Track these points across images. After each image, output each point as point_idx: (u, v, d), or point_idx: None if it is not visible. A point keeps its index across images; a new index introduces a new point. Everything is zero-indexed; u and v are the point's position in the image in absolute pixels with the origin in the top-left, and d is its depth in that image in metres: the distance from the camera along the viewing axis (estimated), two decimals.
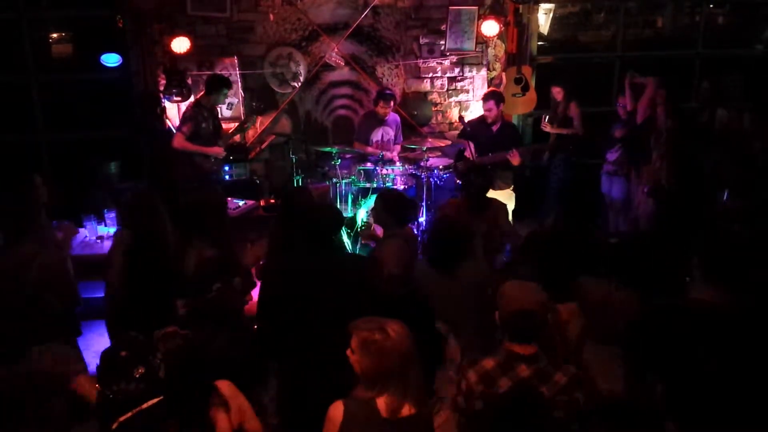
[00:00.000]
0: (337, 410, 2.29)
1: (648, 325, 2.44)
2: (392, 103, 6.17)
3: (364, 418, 2.25)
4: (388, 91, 6.18)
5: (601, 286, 3.01)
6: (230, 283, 3.08)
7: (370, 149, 6.14)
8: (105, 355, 2.30)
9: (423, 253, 5.78)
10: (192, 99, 6.38)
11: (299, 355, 3.04)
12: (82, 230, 5.28)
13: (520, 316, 2.42)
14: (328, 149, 6.05)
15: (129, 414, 2.20)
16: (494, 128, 5.87)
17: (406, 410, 2.25)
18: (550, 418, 2.27)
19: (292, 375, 3.09)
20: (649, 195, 5.33)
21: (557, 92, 6.31)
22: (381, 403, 2.25)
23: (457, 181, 6.13)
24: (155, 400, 2.24)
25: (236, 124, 6.38)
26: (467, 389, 2.44)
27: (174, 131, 6.48)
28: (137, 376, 2.22)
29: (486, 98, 5.88)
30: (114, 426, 2.19)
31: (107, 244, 5.07)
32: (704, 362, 2.29)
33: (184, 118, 5.63)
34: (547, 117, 6.34)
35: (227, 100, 6.26)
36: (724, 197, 5.21)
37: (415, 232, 5.60)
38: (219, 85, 5.72)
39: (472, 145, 5.73)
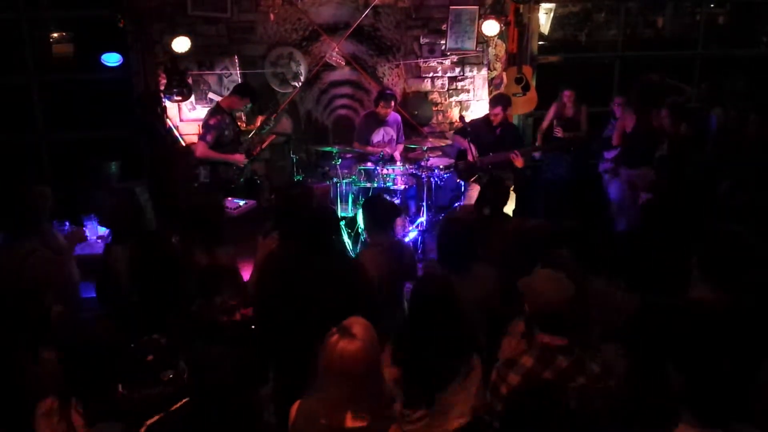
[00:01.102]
0: (293, 409, 2.31)
1: (646, 325, 2.44)
2: (393, 104, 6.16)
3: (308, 421, 2.23)
4: (388, 92, 6.18)
5: (602, 284, 3.00)
6: (211, 300, 3.06)
7: (370, 148, 6.13)
8: (129, 360, 2.29)
9: (422, 253, 5.81)
10: (193, 99, 6.41)
11: (297, 355, 3.04)
12: None
13: (552, 310, 2.41)
14: (328, 149, 6.05)
15: (156, 417, 2.19)
16: (497, 130, 5.88)
17: (350, 422, 2.17)
18: (586, 408, 2.27)
19: (290, 375, 3.09)
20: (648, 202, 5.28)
21: (568, 96, 6.26)
22: (323, 406, 2.21)
23: (458, 180, 6.14)
24: (182, 402, 2.24)
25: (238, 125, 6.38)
26: (510, 392, 2.38)
27: (174, 131, 6.50)
28: (166, 380, 2.22)
29: (494, 103, 5.86)
30: (142, 430, 2.18)
31: None
32: (702, 362, 2.30)
33: (208, 127, 5.48)
34: (559, 124, 6.28)
35: None
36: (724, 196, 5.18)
37: (407, 240, 5.63)
38: (244, 93, 5.62)
39: (473, 147, 5.74)
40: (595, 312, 2.87)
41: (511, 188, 5.82)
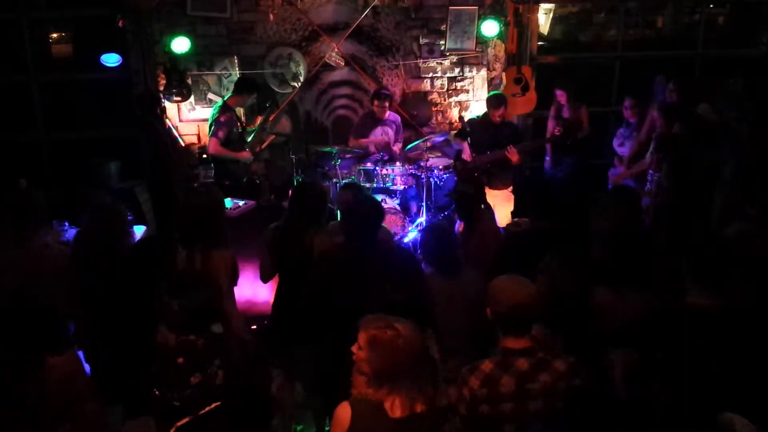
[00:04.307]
0: (344, 411, 2.26)
1: (645, 328, 2.45)
2: (387, 103, 6.16)
3: (373, 419, 2.23)
4: (383, 91, 6.19)
5: (609, 288, 2.99)
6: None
7: (364, 141, 6.14)
8: (162, 360, 2.32)
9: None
10: (192, 99, 6.42)
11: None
12: None
13: (513, 309, 2.41)
14: (328, 149, 6.05)
15: (186, 419, 2.22)
16: (494, 127, 5.85)
17: (417, 408, 2.24)
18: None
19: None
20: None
21: (560, 95, 6.25)
22: (390, 403, 2.22)
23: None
24: (213, 406, 2.27)
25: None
26: (471, 395, 2.41)
27: (174, 131, 6.50)
28: (194, 383, 2.24)
29: (497, 105, 5.77)
30: (171, 431, 2.21)
31: None
32: (699, 365, 2.30)
33: (219, 124, 5.60)
34: (556, 123, 6.24)
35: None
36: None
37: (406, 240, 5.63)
38: (249, 88, 5.80)
39: (470, 148, 5.73)
40: (595, 315, 2.87)
41: (510, 189, 5.84)
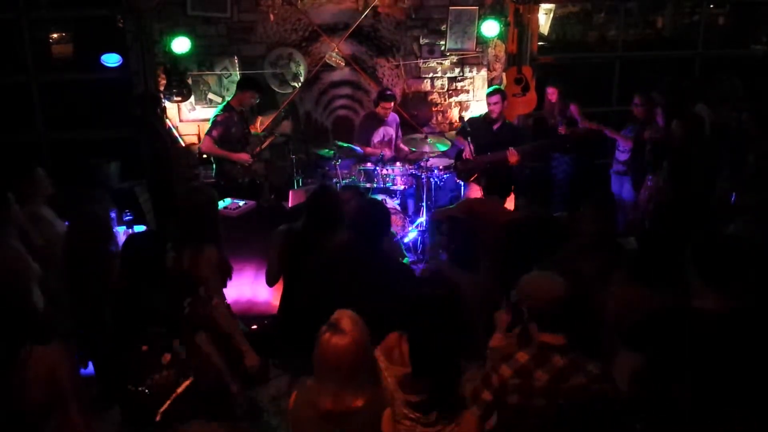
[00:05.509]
0: (291, 397, 2.47)
1: (647, 329, 2.45)
2: (393, 104, 6.17)
3: (307, 407, 2.36)
4: (389, 92, 6.18)
5: (628, 288, 2.98)
6: (198, 294, 3.02)
7: (369, 150, 6.13)
8: (124, 357, 2.34)
9: (422, 253, 5.81)
10: (193, 99, 6.41)
11: None
12: None
13: (551, 304, 2.42)
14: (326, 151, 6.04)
15: (168, 402, 2.27)
16: (495, 127, 5.86)
17: (353, 403, 2.32)
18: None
19: None
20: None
21: (552, 93, 6.26)
22: (322, 395, 2.33)
23: (457, 181, 6.13)
24: (187, 382, 2.34)
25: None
26: (500, 383, 2.40)
27: (174, 131, 6.50)
28: (166, 363, 2.27)
29: (492, 92, 5.88)
30: (157, 419, 2.26)
31: None
32: (704, 366, 2.29)
33: (215, 123, 5.60)
34: (560, 122, 6.23)
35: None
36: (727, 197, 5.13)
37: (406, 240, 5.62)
38: (251, 86, 5.75)
39: (471, 146, 5.73)
40: (620, 315, 2.86)
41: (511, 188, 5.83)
